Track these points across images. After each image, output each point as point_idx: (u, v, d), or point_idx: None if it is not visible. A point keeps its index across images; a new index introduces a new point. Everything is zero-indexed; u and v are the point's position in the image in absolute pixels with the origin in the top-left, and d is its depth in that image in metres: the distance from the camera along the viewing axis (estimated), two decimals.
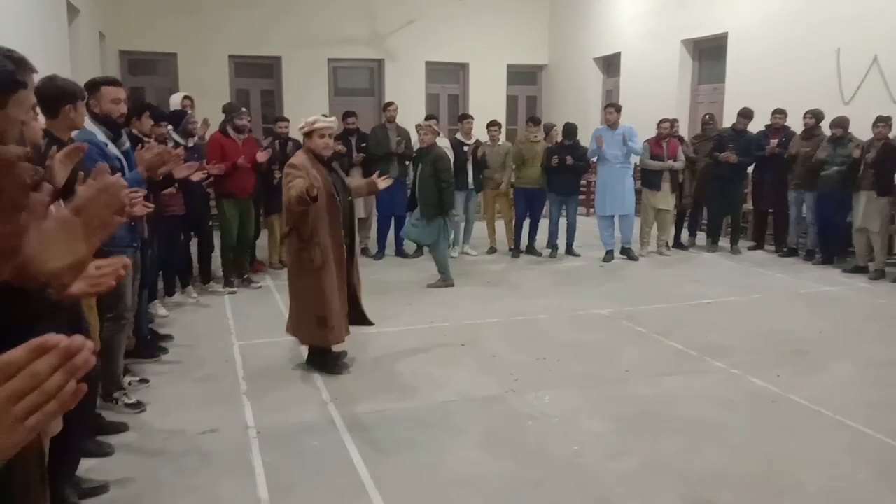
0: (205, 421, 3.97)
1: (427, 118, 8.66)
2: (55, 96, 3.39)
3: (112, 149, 3.88)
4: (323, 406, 4.21)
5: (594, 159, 8.67)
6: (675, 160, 8.64)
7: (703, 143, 9.07)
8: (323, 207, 4.40)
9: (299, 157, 4.50)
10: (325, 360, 4.71)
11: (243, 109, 7.09)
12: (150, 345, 5.08)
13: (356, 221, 4.71)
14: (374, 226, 8.58)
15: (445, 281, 7.13)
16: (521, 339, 5.52)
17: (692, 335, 5.57)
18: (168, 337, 5.38)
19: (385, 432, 3.87)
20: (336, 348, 4.76)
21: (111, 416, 3.91)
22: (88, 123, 3.81)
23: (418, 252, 8.70)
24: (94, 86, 3.94)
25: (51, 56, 6.57)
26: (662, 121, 8.75)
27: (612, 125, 8.48)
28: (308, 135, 4.51)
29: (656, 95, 11.46)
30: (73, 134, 3.58)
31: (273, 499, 3.17)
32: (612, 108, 8.60)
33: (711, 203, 9.12)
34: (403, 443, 3.75)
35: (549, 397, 4.35)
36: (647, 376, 4.73)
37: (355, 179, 4.93)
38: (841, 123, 7.82)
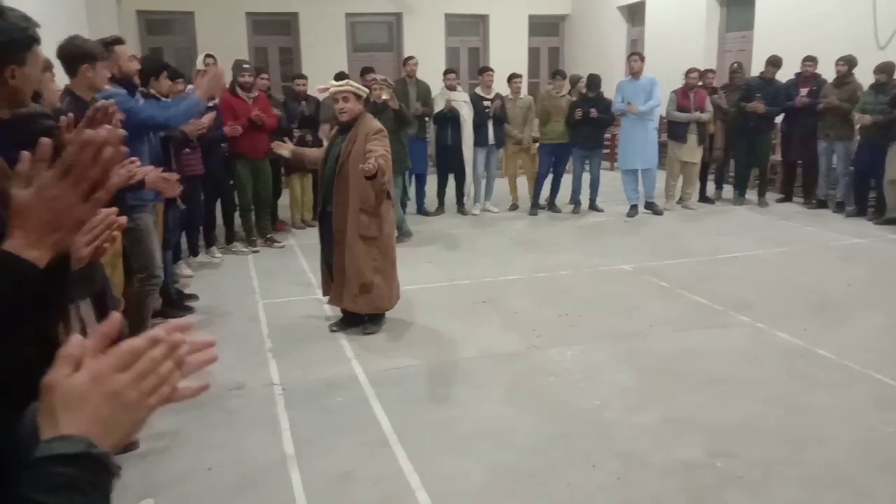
0: (231, 378, 4.03)
1: (446, 72, 8.54)
2: (74, 56, 3.39)
3: (136, 99, 3.90)
4: (346, 363, 4.25)
5: (619, 113, 8.49)
6: (702, 111, 8.43)
7: (731, 93, 8.84)
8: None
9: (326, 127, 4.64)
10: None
11: (245, 66, 6.90)
12: (176, 304, 5.15)
13: (343, 190, 4.43)
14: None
15: (404, 235, 7.04)
16: (543, 295, 5.50)
17: (717, 289, 5.51)
18: (193, 296, 5.44)
19: (408, 388, 3.91)
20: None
21: None
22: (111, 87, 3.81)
23: (439, 210, 8.66)
24: (106, 47, 3.92)
25: (68, 17, 6.53)
26: (690, 71, 8.52)
27: (635, 74, 8.28)
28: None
29: (682, 45, 11.14)
30: (97, 97, 3.57)
31: (299, 453, 3.23)
32: (636, 56, 8.39)
33: (738, 154, 8.93)
34: (426, 398, 3.79)
35: (572, 353, 4.35)
36: (671, 331, 4.69)
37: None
38: (885, 69, 7.54)
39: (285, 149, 4.79)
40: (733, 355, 4.27)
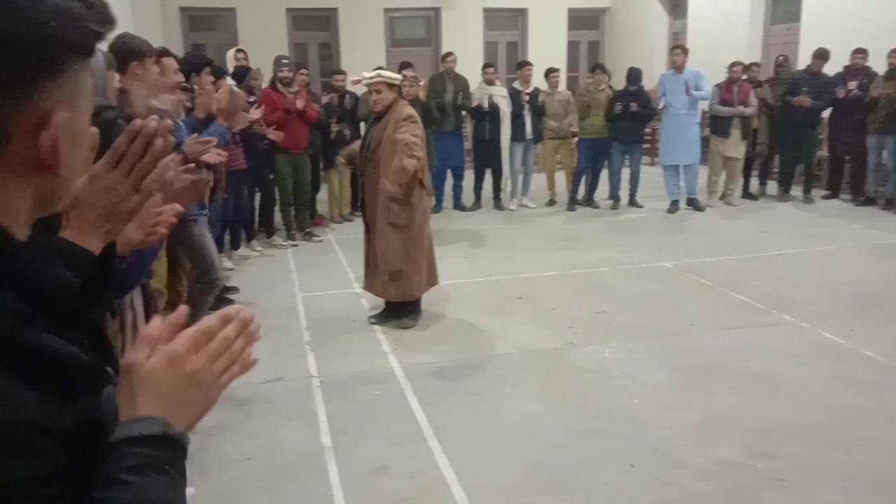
0: (270, 369, 4.10)
1: (485, 67, 8.51)
2: (124, 53, 3.46)
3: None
4: (383, 356, 4.28)
5: (661, 106, 8.35)
6: (745, 106, 8.25)
7: (776, 87, 8.63)
8: None
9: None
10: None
11: (284, 61, 6.93)
12: (217, 297, 5.23)
13: (374, 177, 4.47)
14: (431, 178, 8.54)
15: None
16: (580, 291, 5.46)
17: (759, 288, 5.40)
18: (234, 289, 5.54)
19: (443, 382, 3.92)
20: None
21: None
22: None
23: (476, 205, 8.65)
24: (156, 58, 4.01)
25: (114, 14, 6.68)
26: (734, 64, 8.34)
27: (678, 68, 8.13)
28: None
29: (725, 38, 10.90)
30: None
31: (335, 444, 3.27)
32: (678, 49, 8.22)
33: (783, 150, 8.71)
34: (461, 392, 3.80)
35: (609, 350, 4.31)
36: (711, 329, 4.62)
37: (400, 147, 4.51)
38: None
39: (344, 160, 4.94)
40: (775, 355, 4.18)
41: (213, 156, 3.74)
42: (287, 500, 2.86)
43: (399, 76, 4.67)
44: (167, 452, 0.73)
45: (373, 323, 4.75)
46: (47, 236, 1.04)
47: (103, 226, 1.04)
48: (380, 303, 4.85)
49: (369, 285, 4.72)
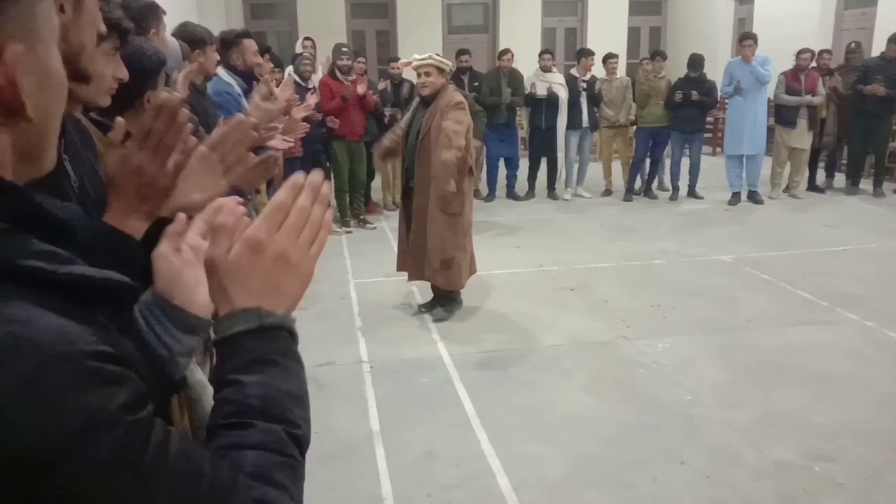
0: (322, 354, 4.17)
1: (542, 53, 8.39)
2: (187, 41, 3.53)
3: (244, 101, 4.04)
4: (433, 344, 4.30)
5: (726, 97, 8.09)
6: (813, 95, 7.93)
7: (847, 75, 8.26)
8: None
9: (416, 99, 4.69)
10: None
11: (343, 49, 6.99)
12: None
13: (425, 163, 4.38)
14: (485, 167, 8.51)
15: None
16: (634, 284, 5.37)
17: (823, 284, 5.20)
18: None
19: (492, 372, 3.92)
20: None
21: None
22: (225, 75, 3.96)
23: (529, 194, 8.58)
24: (236, 38, 4.08)
25: (179, 2, 6.86)
26: (802, 51, 8.01)
27: (748, 59, 7.83)
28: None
29: (794, 24, 10.49)
30: (210, 85, 3.73)
31: (384, 429, 3.31)
32: (750, 40, 7.84)
33: (853, 140, 8.34)
34: (510, 382, 3.79)
35: (663, 345, 4.23)
36: (771, 326, 4.48)
37: (445, 133, 4.38)
38: None
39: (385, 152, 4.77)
40: (838, 354, 4.03)
41: (279, 141, 3.81)
42: (336, 483, 2.91)
43: (449, 62, 4.58)
44: (271, 342, 0.71)
45: (423, 311, 4.75)
46: (94, 221, 1.05)
47: (142, 206, 1.04)
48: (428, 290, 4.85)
49: (416, 273, 4.64)
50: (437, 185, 4.22)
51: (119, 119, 1.11)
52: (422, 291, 4.98)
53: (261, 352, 0.70)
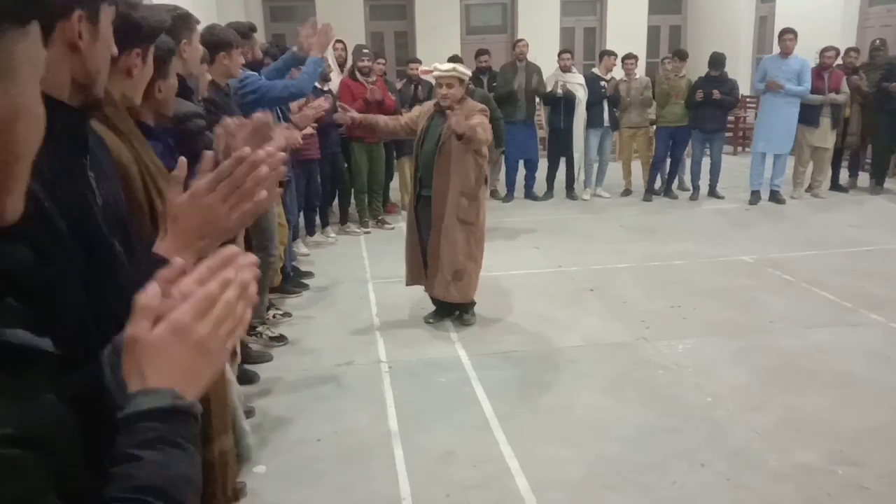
0: (341, 353, 4.20)
1: (560, 53, 8.36)
2: (213, 45, 3.57)
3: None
4: (451, 344, 4.30)
5: (759, 93, 7.96)
6: (837, 93, 7.81)
7: (871, 73, 8.13)
8: (417, 154, 4.48)
9: (427, 104, 4.58)
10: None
11: (364, 50, 7.01)
12: (292, 281, 5.39)
13: (445, 172, 4.27)
14: (503, 168, 8.50)
15: None
16: (654, 285, 5.33)
17: (847, 285, 5.13)
18: (309, 274, 5.68)
19: (510, 373, 3.91)
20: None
21: (257, 348, 4.22)
22: (242, 70, 4.01)
23: (548, 194, 8.55)
24: (245, 34, 4.15)
25: (201, 5, 6.92)
26: (826, 49, 7.90)
27: (787, 54, 7.68)
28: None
29: (818, 21, 10.33)
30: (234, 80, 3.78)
31: (402, 429, 3.31)
32: (791, 34, 7.67)
33: (878, 139, 8.22)
34: (528, 384, 3.77)
35: (683, 346, 4.19)
36: (794, 327, 4.42)
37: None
38: None
39: (346, 118, 4.59)
40: (863, 356, 3.97)
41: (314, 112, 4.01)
42: (355, 482, 2.92)
43: (468, 73, 4.50)
44: (179, 424, 0.72)
45: (430, 323, 4.62)
46: (145, 251, 1.06)
47: (198, 243, 1.06)
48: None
49: (429, 287, 4.53)
50: (470, 136, 4.01)
51: (182, 159, 1.12)
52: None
53: (166, 432, 0.71)
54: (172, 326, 0.74)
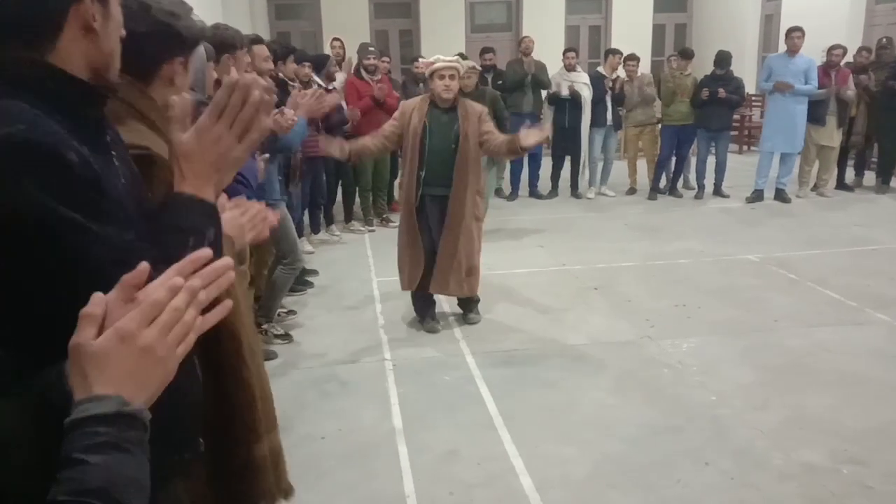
0: (345, 351, 4.20)
1: (565, 52, 8.35)
2: (219, 44, 3.57)
3: None
4: (455, 343, 4.31)
5: (766, 91, 7.94)
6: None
7: (878, 71, 8.10)
8: (409, 150, 4.19)
9: (414, 99, 4.36)
10: (420, 317, 4.58)
11: (370, 48, 7.02)
12: (298, 279, 5.39)
13: (465, 171, 4.19)
14: (508, 166, 8.49)
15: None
16: (659, 284, 5.32)
17: (852, 284, 5.11)
18: (314, 272, 5.69)
19: (514, 371, 3.91)
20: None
21: (262, 345, 4.24)
22: None
23: (552, 193, 8.55)
24: (251, 44, 4.15)
25: (203, 2, 6.93)
26: (834, 48, 7.87)
27: (794, 52, 7.66)
28: (430, 77, 4.21)
29: (824, 19, 10.30)
30: None
31: (406, 427, 3.32)
32: (798, 32, 7.65)
33: (884, 138, 8.18)
34: (532, 382, 3.78)
35: (687, 345, 4.19)
36: (799, 326, 4.41)
37: (495, 135, 4.20)
38: None
39: (335, 148, 4.20)
40: (868, 355, 3.96)
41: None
42: (359, 480, 2.93)
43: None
44: (126, 430, 0.73)
45: (438, 330, 4.50)
46: (168, 193, 1.09)
47: (214, 177, 1.09)
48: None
49: (441, 286, 4.39)
50: (513, 148, 4.03)
51: (174, 97, 1.15)
52: (448, 300, 4.89)
53: (112, 437, 0.72)
54: (117, 333, 0.75)
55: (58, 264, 0.79)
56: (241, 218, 1.53)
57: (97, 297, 0.77)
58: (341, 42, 7.42)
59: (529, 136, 3.91)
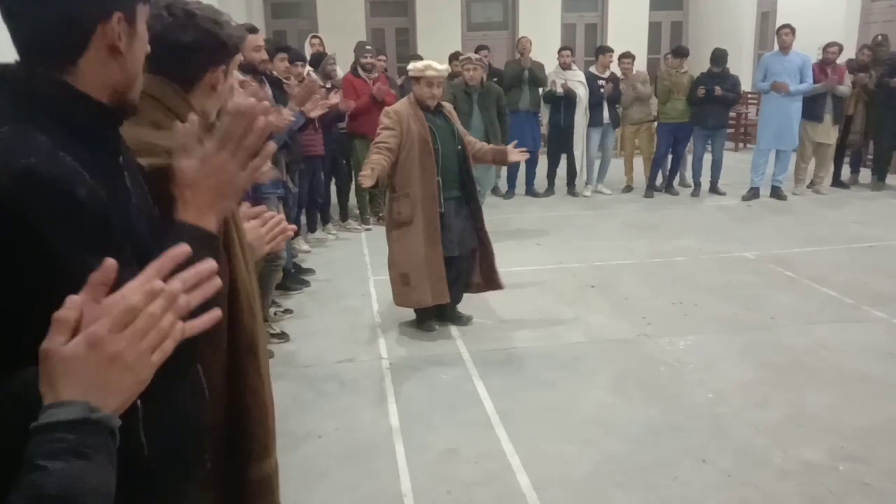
0: (342, 350, 4.19)
1: (561, 50, 8.34)
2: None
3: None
4: (452, 341, 4.29)
5: (762, 91, 7.94)
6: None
7: (874, 68, 8.10)
8: (415, 157, 4.04)
9: (398, 104, 4.24)
10: (421, 318, 4.47)
11: (367, 47, 7.03)
12: (293, 278, 5.38)
13: (471, 173, 4.28)
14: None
15: None
16: (656, 281, 5.32)
17: (850, 281, 5.11)
18: (310, 271, 5.67)
19: (512, 370, 3.90)
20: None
21: None
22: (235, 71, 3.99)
23: (548, 191, 8.54)
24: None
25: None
26: (830, 45, 7.87)
27: (785, 49, 7.68)
28: (416, 80, 4.14)
29: (819, 17, 10.29)
30: None
31: (404, 426, 3.31)
32: (787, 29, 7.69)
33: (880, 135, 8.19)
34: (530, 381, 3.76)
35: (685, 343, 4.18)
36: (797, 324, 4.41)
37: (479, 143, 4.40)
38: None
39: (370, 179, 3.87)
40: (866, 353, 3.96)
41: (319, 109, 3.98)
42: (357, 479, 2.92)
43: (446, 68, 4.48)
44: (90, 437, 0.72)
45: (435, 329, 4.44)
46: (169, 218, 1.08)
47: (217, 204, 1.07)
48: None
49: (490, 283, 4.41)
50: (500, 159, 4.47)
51: (178, 123, 1.13)
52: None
53: (75, 444, 0.70)
54: (87, 339, 0.74)
55: (57, 298, 0.78)
56: (261, 228, 1.52)
57: (71, 300, 0.75)
58: (320, 40, 7.40)
59: (515, 154, 4.41)
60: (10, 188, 0.85)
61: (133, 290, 0.77)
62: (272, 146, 1.10)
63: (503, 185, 8.58)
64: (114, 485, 0.74)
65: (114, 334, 0.74)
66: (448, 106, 4.37)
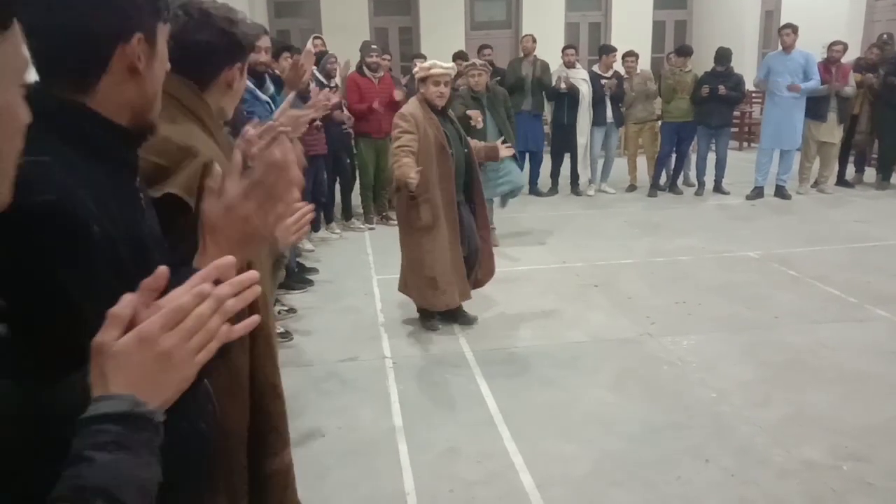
0: (346, 349, 4.20)
1: (564, 48, 8.33)
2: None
3: (259, 94, 4.07)
4: (455, 340, 4.30)
5: (763, 89, 7.93)
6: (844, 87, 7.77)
7: (878, 67, 8.08)
8: (433, 161, 4.04)
9: (411, 106, 4.16)
10: (425, 317, 4.52)
11: (373, 46, 7.05)
12: (297, 277, 5.40)
13: (475, 174, 4.37)
14: None
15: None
16: (659, 281, 5.32)
17: (853, 280, 5.11)
18: (314, 270, 5.69)
19: (515, 369, 3.91)
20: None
21: None
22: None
23: (552, 190, 8.54)
24: None
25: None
26: (834, 44, 7.85)
27: (787, 49, 7.67)
28: (423, 80, 4.12)
29: (823, 16, 10.28)
30: None
31: (406, 425, 3.32)
32: (788, 29, 7.67)
33: (885, 134, 8.17)
34: (533, 380, 3.77)
35: (688, 342, 4.18)
36: (799, 323, 4.41)
37: (472, 141, 4.43)
38: None
39: (418, 176, 3.86)
40: (869, 352, 3.96)
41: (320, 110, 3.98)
42: (359, 478, 2.93)
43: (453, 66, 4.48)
44: (136, 430, 0.73)
45: (437, 329, 4.47)
46: (184, 265, 1.07)
47: (239, 253, 1.04)
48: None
49: (487, 277, 4.51)
50: (492, 156, 4.54)
51: (217, 168, 1.13)
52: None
53: (121, 436, 0.72)
54: (138, 336, 0.76)
55: (61, 331, 0.81)
56: (288, 219, 1.51)
57: (127, 297, 0.78)
58: (322, 40, 7.40)
59: (504, 150, 4.53)
60: (26, 224, 0.85)
61: (183, 291, 0.79)
62: (297, 195, 1.07)
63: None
64: (157, 479, 0.75)
65: (164, 332, 0.77)
66: (452, 114, 4.37)
